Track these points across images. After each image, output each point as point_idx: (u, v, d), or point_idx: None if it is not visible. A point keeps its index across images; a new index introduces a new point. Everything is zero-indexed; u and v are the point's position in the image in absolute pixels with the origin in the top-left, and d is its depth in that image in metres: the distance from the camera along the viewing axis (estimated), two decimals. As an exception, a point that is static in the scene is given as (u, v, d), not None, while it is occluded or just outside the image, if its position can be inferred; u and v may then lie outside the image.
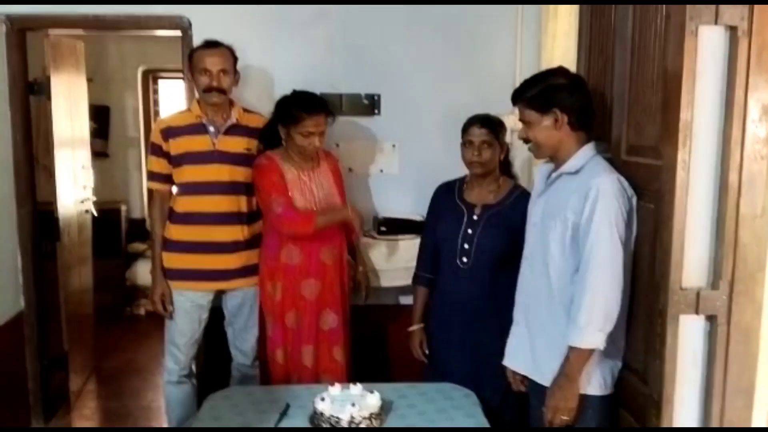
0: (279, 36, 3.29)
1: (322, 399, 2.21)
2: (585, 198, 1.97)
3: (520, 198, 2.58)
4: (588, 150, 2.10)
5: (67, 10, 3.23)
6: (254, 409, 2.34)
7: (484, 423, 2.25)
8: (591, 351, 1.99)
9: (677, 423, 1.87)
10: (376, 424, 2.18)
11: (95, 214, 4.33)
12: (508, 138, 3.29)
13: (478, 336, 2.59)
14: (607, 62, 2.26)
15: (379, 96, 3.36)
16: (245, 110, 2.97)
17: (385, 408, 2.27)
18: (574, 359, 1.99)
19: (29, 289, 3.49)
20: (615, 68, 2.19)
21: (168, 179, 2.93)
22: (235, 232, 2.88)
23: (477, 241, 2.60)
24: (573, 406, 2.02)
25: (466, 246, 2.61)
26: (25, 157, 3.45)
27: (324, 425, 2.16)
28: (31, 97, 3.52)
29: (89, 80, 4.37)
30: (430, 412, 2.31)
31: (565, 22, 2.81)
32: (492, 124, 2.62)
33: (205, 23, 3.21)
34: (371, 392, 2.25)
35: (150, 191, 3.00)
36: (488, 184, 2.67)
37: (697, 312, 1.82)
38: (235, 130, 2.90)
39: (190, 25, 3.23)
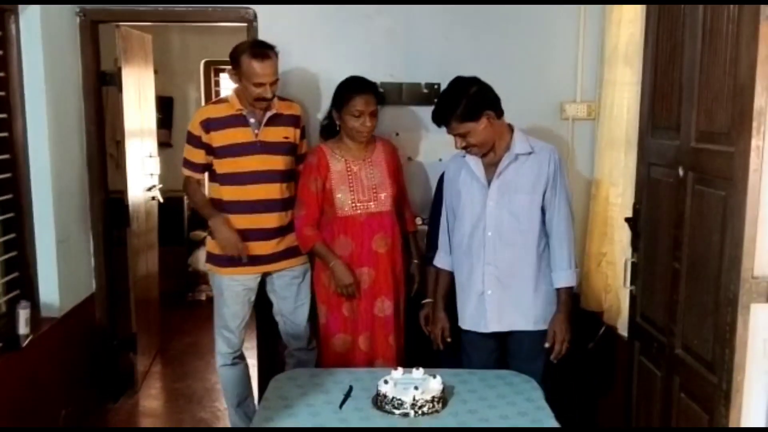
0: (341, 26, 3.33)
1: (386, 382, 2.26)
2: (548, 165, 2.50)
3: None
4: (521, 133, 2.57)
5: (137, 3, 3.34)
6: (318, 390, 2.40)
7: (545, 407, 2.26)
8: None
9: (746, 413, 1.86)
10: (438, 407, 2.22)
11: (161, 200, 4.45)
12: (569, 127, 3.33)
13: None
14: (676, 48, 2.23)
15: (438, 85, 3.36)
16: (280, 98, 3.00)
17: (447, 392, 2.30)
18: (569, 297, 2.55)
19: (100, 272, 3.63)
20: (684, 54, 2.16)
21: (203, 168, 3.00)
22: (280, 218, 2.96)
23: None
24: (570, 335, 2.52)
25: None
26: (97, 147, 3.57)
27: (387, 407, 2.21)
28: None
29: (155, 72, 4.49)
30: (491, 398, 2.33)
31: (630, 8, 2.77)
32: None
33: (270, 15, 3.29)
34: (433, 376, 2.29)
35: (185, 178, 3.05)
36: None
37: (768, 301, 1.81)
38: (274, 120, 2.96)
39: (255, 17, 3.31)
